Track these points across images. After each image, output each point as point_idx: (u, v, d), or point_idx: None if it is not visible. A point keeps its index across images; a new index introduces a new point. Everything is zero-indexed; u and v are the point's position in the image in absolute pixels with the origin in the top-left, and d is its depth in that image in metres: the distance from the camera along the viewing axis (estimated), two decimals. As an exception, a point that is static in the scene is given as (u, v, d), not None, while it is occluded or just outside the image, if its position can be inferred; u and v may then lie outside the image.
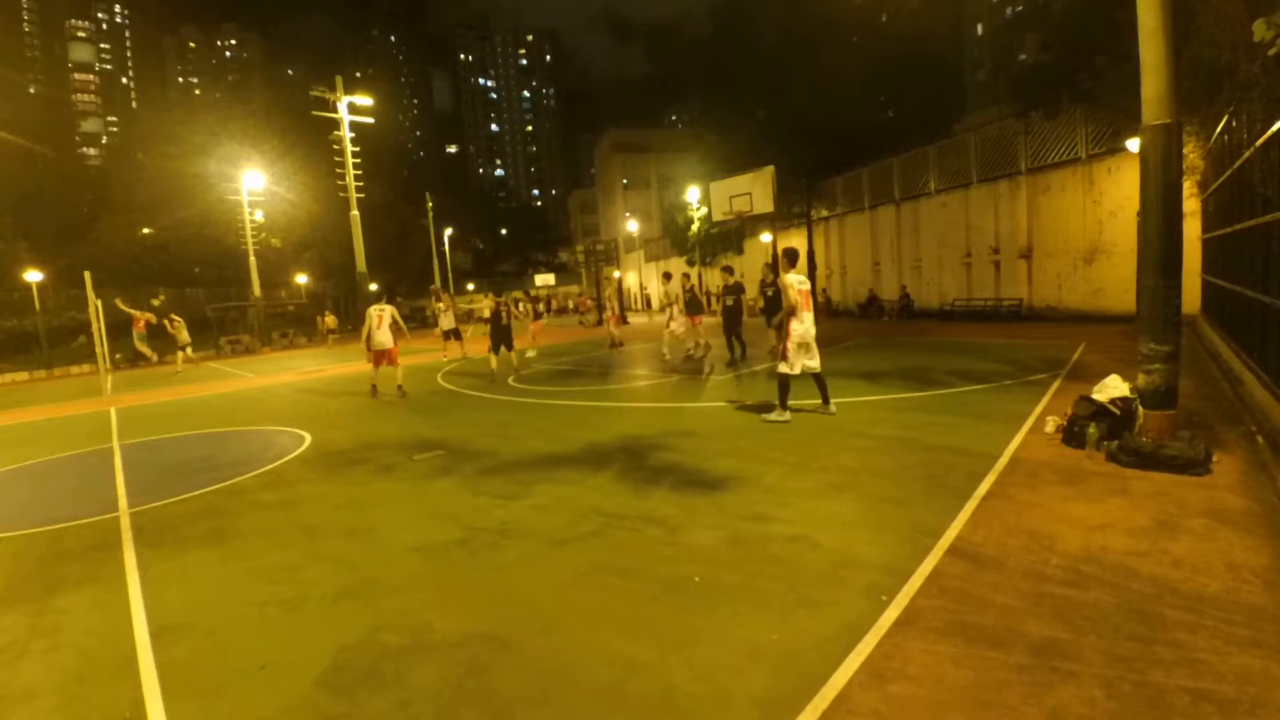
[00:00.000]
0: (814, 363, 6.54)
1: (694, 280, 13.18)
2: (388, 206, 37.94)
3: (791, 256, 6.76)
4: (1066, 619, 2.61)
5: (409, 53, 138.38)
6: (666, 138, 55.87)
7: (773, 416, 6.56)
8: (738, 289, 11.74)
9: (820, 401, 6.72)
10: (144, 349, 19.01)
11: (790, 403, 6.62)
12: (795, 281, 6.47)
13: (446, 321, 16.36)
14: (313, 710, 2.41)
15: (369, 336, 10.14)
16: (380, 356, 10.23)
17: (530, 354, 14.89)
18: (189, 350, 19.53)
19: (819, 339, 6.64)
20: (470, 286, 56.78)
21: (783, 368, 6.51)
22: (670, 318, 12.63)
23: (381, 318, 10.04)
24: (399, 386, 10.43)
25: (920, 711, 2.13)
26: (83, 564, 4.13)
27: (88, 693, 2.64)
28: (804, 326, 6.43)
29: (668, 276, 13.54)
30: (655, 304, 37.75)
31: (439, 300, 17.42)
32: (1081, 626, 2.55)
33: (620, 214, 53.23)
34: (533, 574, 3.48)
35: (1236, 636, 2.41)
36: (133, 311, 18.67)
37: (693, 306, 12.94)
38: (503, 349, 11.77)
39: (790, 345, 6.43)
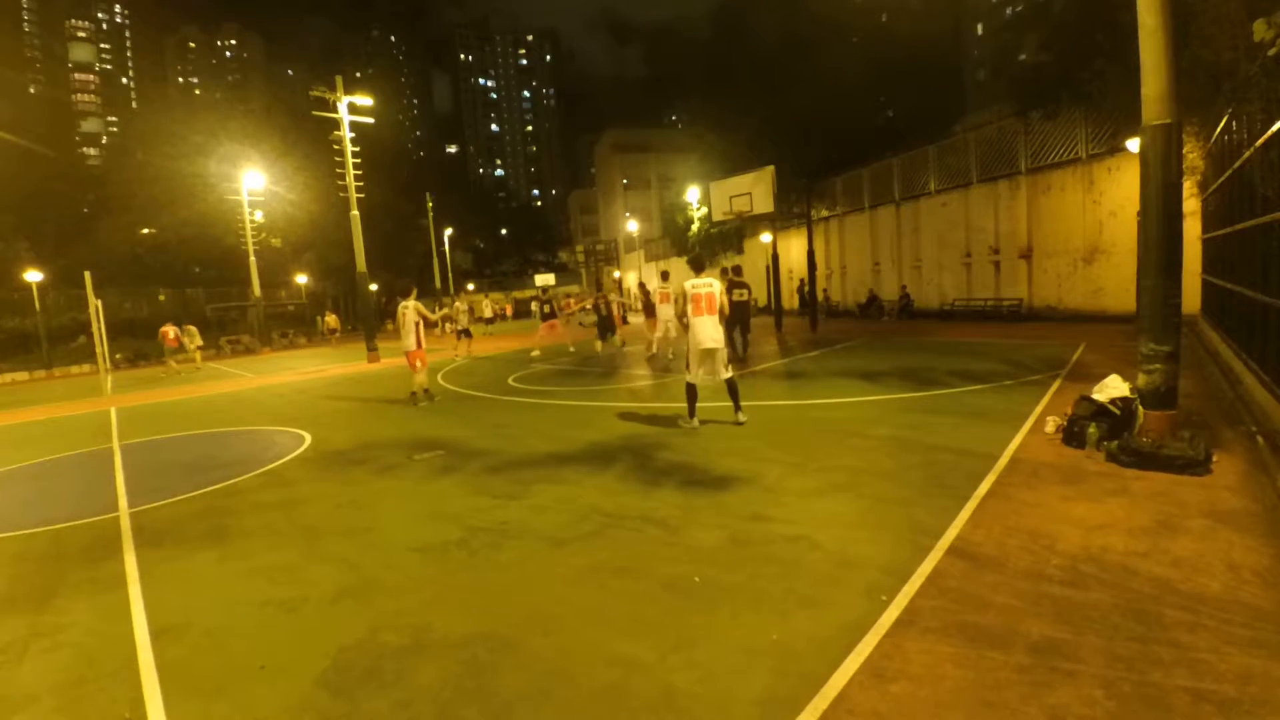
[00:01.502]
0: (718, 372, 6.46)
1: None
2: (388, 206, 37.80)
3: (695, 263, 6.80)
4: (1066, 619, 2.61)
5: (409, 53, 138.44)
6: (666, 138, 55.83)
7: (681, 423, 6.66)
8: (739, 288, 11.80)
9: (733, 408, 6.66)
10: (171, 360, 19.60)
11: (744, 403, 6.67)
12: (689, 287, 6.43)
13: (463, 320, 17.28)
14: (313, 710, 2.41)
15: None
16: (409, 358, 9.41)
17: (535, 353, 15.31)
18: (198, 355, 21.11)
19: (818, 340, 6.63)
20: (470, 286, 56.79)
21: (686, 375, 6.58)
22: (657, 320, 12.56)
23: (405, 316, 9.22)
24: (418, 391, 9.43)
25: (920, 711, 2.13)
26: (83, 564, 4.13)
27: (88, 693, 2.64)
28: (699, 332, 6.34)
29: (665, 276, 13.44)
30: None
31: (458, 300, 18.68)
32: (1081, 626, 2.55)
33: (620, 214, 53.26)
34: (533, 574, 3.48)
35: (1236, 636, 2.41)
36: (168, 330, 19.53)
37: (649, 309, 13.09)
38: (609, 336, 12.89)
39: (689, 352, 6.43)
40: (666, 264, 35.31)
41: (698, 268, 6.72)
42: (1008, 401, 6.75)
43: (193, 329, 20.90)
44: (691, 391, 6.58)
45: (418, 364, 9.31)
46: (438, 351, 17.69)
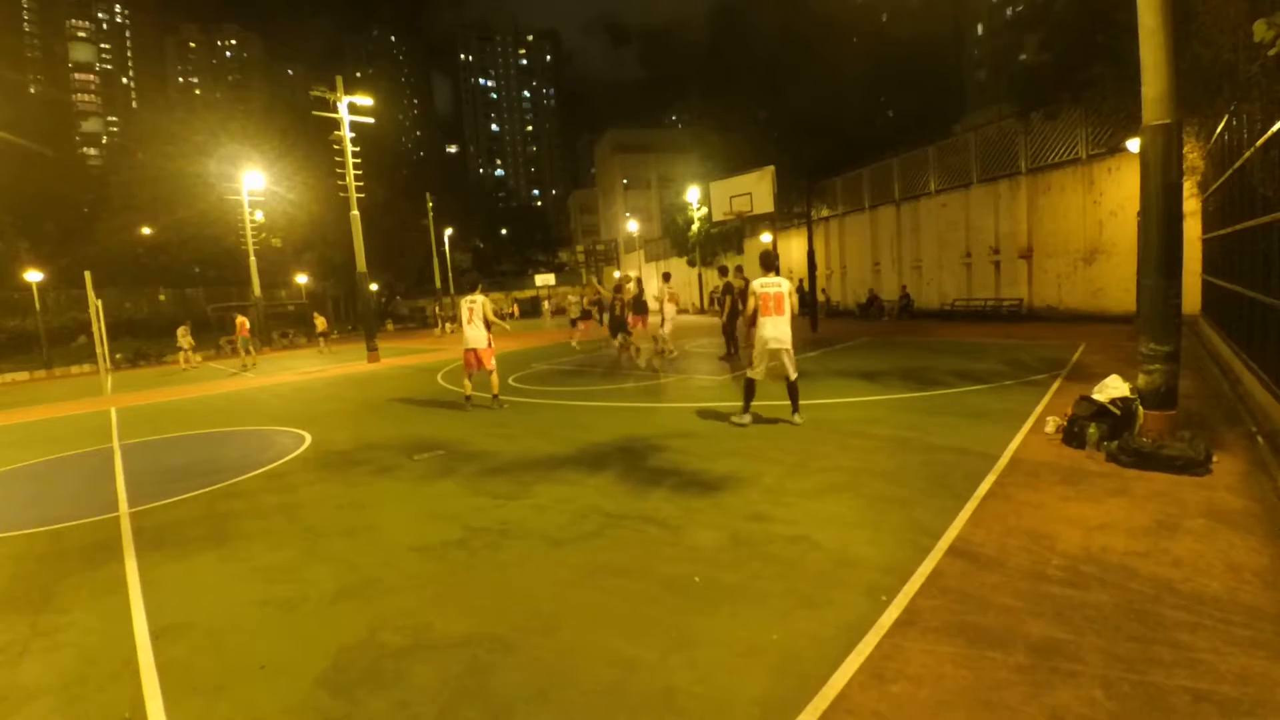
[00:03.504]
0: (785, 372, 6.34)
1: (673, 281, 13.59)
2: (388, 206, 37.81)
3: (764, 261, 6.57)
4: (1066, 619, 2.61)
5: (409, 53, 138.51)
6: (667, 138, 55.88)
7: (734, 418, 6.60)
8: (729, 288, 11.92)
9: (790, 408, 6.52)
10: (244, 350, 20.02)
11: (756, 404, 6.61)
12: (757, 286, 6.30)
13: (575, 311, 18.06)
14: (313, 710, 2.41)
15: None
16: (470, 358, 8.54)
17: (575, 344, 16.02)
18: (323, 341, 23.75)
19: (819, 340, 6.59)
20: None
21: (748, 371, 6.52)
22: (663, 318, 12.77)
23: (472, 311, 8.41)
24: (495, 395, 8.65)
25: (920, 711, 2.13)
26: (83, 564, 4.13)
27: (88, 693, 2.64)
28: (765, 332, 6.23)
29: (667, 277, 13.71)
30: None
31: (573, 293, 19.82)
32: (1081, 626, 2.55)
33: (620, 214, 53.26)
34: (533, 574, 3.48)
35: (1236, 636, 2.41)
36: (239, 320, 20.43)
37: (638, 307, 13.19)
38: (620, 335, 12.67)
39: (754, 350, 6.37)
40: (666, 264, 35.41)
41: (767, 266, 6.50)
42: (1008, 401, 6.75)
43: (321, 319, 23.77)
44: (750, 388, 6.50)
45: (491, 363, 8.52)
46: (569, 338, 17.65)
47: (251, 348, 20.08)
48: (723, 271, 12.34)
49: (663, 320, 12.77)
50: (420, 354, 19.51)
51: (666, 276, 13.82)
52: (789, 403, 6.50)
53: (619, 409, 8.21)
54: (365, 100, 18.83)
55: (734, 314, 11.76)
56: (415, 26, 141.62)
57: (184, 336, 20.84)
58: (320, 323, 24.24)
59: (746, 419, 6.51)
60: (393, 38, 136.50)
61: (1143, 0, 4.61)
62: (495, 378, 8.66)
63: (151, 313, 30.68)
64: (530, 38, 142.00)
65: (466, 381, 8.83)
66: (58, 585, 3.80)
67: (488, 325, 8.44)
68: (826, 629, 2.67)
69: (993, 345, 11.29)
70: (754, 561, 3.38)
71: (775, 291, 6.27)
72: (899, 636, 2.57)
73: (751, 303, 6.31)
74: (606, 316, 13.99)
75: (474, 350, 8.46)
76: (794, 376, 6.38)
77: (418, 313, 48.81)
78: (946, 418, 6.26)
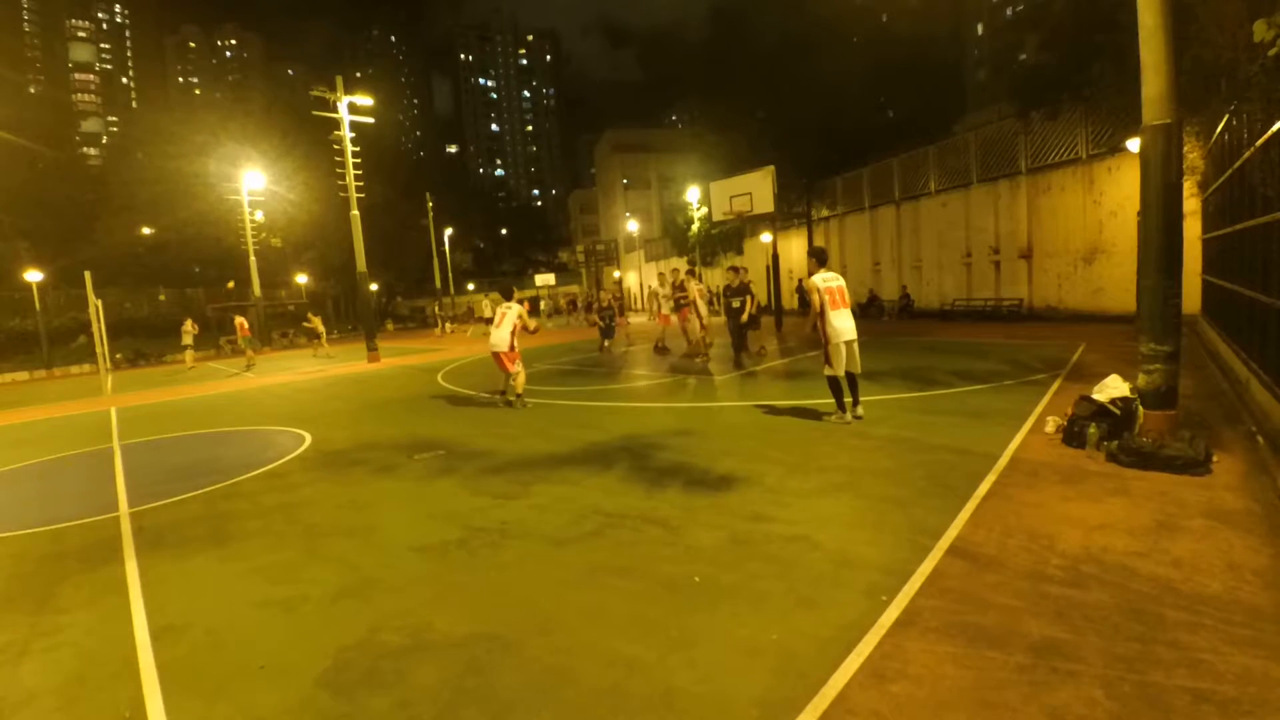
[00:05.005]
0: (854, 364, 6.33)
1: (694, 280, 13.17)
2: (388, 206, 37.78)
3: (820, 256, 6.49)
4: (1066, 619, 2.61)
5: (409, 53, 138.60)
6: (667, 138, 55.89)
7: (831, 418, 6.48)
8: (743, 288, 11.81)
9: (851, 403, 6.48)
10: (248, 349, 20.10)
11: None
12: (819, 281, 6.25)
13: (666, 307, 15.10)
14: (313, 710, 2.41)
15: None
16: (496, 359, 8.72)
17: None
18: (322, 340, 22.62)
19: (818, 339, 6.49)
20: (470, 286, 56.77)
21: (826, 370, 6.44)
22: (692, 314, 12.41)
23: (504, 315, 8.58)
24: (518, 395, 8.73)
25: (920, 711, 2.13)
26: (83, 564, 4.13)
27: (88, 693, 2.64)
28: (837, 324, 6.18)
29: (691, 273, 13.43)
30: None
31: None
32: (1081, 626, 2.55)
33: (620, 214, 53.27)
34: (533, 574, 3.48)
35: (1236, 636, 2.41)
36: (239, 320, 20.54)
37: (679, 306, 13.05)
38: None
39: (829, 347, 6.28)
40: (668, 263, 35.47)
41: (822, 261, 6.47)
42: (1008, 401, 6.75)
43: (316, 317, 22.70)
44: (837, 385, 6.43)
45: (514, 366, 8.63)
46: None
47: (251, 348, 20.10)
48: (734, 271, 12.14)
49: (700, 321, 12.25)
50: (420, 354, 19.53)
51: (691, 272, 13.40)
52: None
53: (620, 408, 8.21)
54: (365, 100, 18.82)
55: (739, 314, 11.69)
56: (415, 26, 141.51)
57: (188, 333, 20.91)
58: (314, 323, 22.26)
59: (848, 416, 6.39)
60: (392, 38, 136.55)
61: (1143, 0, 4.61)
62: (521, 378, 8.76)
63: (151, 313, 30.68)
64: (530, 38, 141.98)
65: (518, 380, 8.82)
66: (58, 585, 3.80)
67: (513, 333, 8.54)
68: (826, 629, 2.67)
69: (993, 345, 11.29)
70: (754, 561, 3.38)
71: (838, 285, 6.26)
72: (899, 636, 2.57)
73: (817, 299, 6.23)
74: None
75: (497, 354, 8.62)
76: (858, 369, 6.36)
77: (418, 313, 48.82)
78: (946, 418, 6.26)
